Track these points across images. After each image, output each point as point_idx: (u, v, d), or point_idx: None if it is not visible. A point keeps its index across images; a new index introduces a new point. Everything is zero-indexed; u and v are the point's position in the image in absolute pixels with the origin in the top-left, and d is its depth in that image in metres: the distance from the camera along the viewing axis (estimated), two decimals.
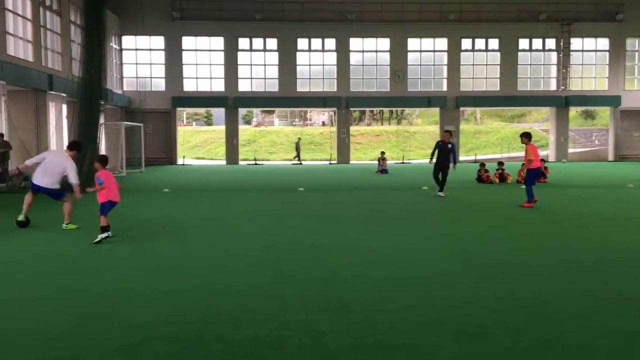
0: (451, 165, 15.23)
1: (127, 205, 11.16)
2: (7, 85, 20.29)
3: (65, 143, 27.07)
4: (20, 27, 21.63)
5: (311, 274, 6.71)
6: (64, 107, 26.38)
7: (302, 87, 35.63)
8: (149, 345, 4.41)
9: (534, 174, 13.15)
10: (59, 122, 25.15)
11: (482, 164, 21.31)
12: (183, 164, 35.23)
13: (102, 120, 20.02)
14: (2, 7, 19.60)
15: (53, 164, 9.94)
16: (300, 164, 35.85)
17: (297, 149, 37.79)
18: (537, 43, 36.54)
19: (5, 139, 21.65)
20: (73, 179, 9.98)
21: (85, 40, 18.74)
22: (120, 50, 34.71)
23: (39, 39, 22.90)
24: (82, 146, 10.79)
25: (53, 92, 23.06)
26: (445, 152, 15.17)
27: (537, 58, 36.81)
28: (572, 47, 36.15)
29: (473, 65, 36.44)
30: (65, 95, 23.71)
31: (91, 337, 4.57)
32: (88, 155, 17.29)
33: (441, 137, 15.51)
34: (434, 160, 15.51)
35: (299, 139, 39.68)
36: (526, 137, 13.32)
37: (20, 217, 10.11)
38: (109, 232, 8.82)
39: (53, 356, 4.20)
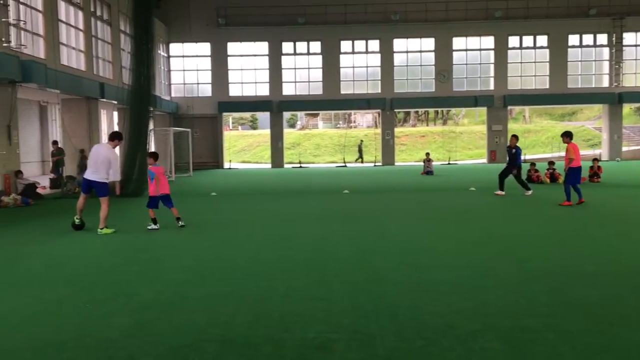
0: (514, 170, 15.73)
1: (176, 209, 11.38)
2: (61, 94, 21.04)
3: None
4: (73, 38, 22.39)
5: (358, 276, 6.68)
6: (115, 114, 27.16)
7: (345, 89, 35.63)
8: (199, 346, 4.47)
9: (575, 173, 13.05)
10: (110, 128, 25.88)
11: (532, 164, 20.83)
12: (229, 168, 35.74)
13: (151, 126, 20.49)
14: (55, 19, 20.34)
15: (96, 155, 10.26)
16: (362, 163, 37.50)
17: (360, 150, 38.91)
18: (587, 39, 35.48)
19: (59, 146, 22.47)
20: (115, 174, 10.40)
21: (134, 49, 19.24)
22: (168, 57, 35.51)
23: (91, 48, 23.65)
24: (122, 135, 11.11)
25: (104, 100, 23.77)
26: (510, 156, 15.68)
27: (588, 54, 35.72)
28: (625, 42, 34.92)
29: (521, 63, 35.66)
30: (116, 102, 24.40)
31: (144, 339, 4.67)
32: (138, 161, 17.73)
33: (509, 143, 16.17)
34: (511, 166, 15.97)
35: (362, 141, 40.45)
36: (567, 136, 13.33)
37: (76, 221, 10.45)
38: (157, 225, 9.85)
39: (108, 357, 4.31)
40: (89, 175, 10.26)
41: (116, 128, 26.20)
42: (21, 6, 17.96)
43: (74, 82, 20.93)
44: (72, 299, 5.93)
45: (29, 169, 24.91)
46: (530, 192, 15.58)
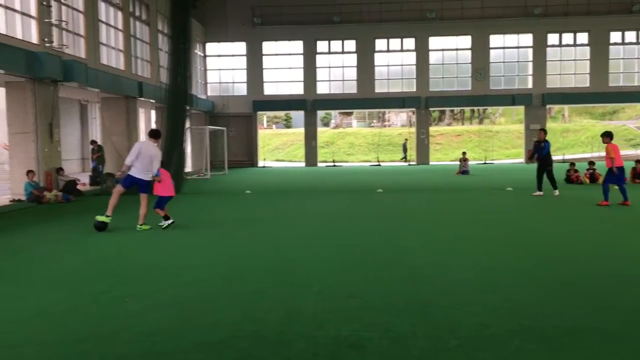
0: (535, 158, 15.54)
1: (212, 207, 11.52)
2: (101, 93, 21.51)
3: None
4: (112, 37, 22.87)
5: (391, 274, 6.65)
6: (153, 112, 27.68)
7: (380, 88, 35.47)
8: (232, 342, 4.52)
9: (617, 173, 12.84)
10: (148, 127, 26.36)
11: (572, 164, 20.38)
12: (264, 166, 35.99)
13: (187, 124, 20.77)
14: (96, 19, 20.81)
15: (144, 153, 10.31)
16: (407, 162, 37.65)
17: (405, 149, 39.18)
18: (630, 36, 34.48)
19: (99, 143, 22.99)
20: (156, 168, 10.44)
21: (172, 49, 19.53)
22: (205, 56, 35.95)
23: (130, 48, 24.12)
24: (159, 134, 11.19)
25: (142, 99, 24.21)
26: (540, 151, 15.37)
27: (631, 51, 34.71)
28: None
29: (560, 60, 34.90)
30: (153, 101, 24.84)
31: (179, 334, 4.75)
32: (175, 158, 17.99)
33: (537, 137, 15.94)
34: (534, 161, 15.75)
35: (406, 139, 40.53)
36: (607, 136, 13.14)
37: (106, 219, 10.31)
38: (171, 220, 10.26)
39: (143, 351, 4.39)
40: (134, 172, 10.32)
41: (154, 126, 26.67)
42: (63, 7, 18.42)
43: (113, 81, 21.37)
44: (110, 294, 6.06)
45: (69, 166, 25.56)
46: (557, 193, 15.11)
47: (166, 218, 10.43)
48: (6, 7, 15.72)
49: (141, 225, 10.37)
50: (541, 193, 15.32)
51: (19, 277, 6.95)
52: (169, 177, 10.71)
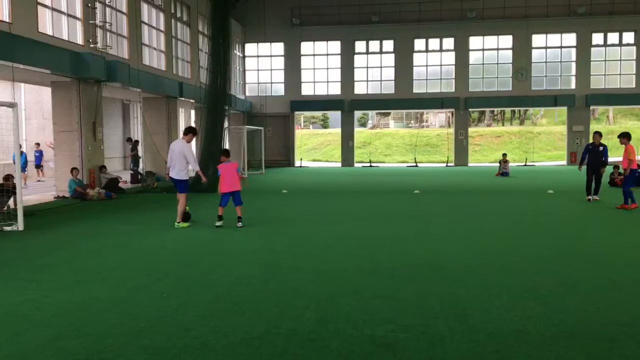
0: (602, 168, 14.24)
1: (249, 206, 11.63)
2: (142, 93, 21.96)
3: (194, 146, 28.83)
4: (154, 38, 23.33)
5: (428, 277, 6.60)
6: (192, 112, 28.10)
7: (418, 88, 35.17)
8: (269, 339, 4.57)
9: (633, 175, 12.76)
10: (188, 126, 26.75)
11: (616, 167, 19.80)
12: (300, 166, 36.12)
13: (226, 124, 21.03)
14: (139, 20, 21.27)
15: (173, 152, 10.75)
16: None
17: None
18: None
19: (134, 139, 23.48)
20: (194, 164, 10.86)
21: (211, 49, 19.80)
22: (244, 57, 36.31)
23: (171, 48, 24.56)
24: (195, 129, 11.38)
25: (183, 99, 24.61)
26: (596, 154, 14.29)
27: None
28: None
29: (605, 60, 33.94)
30: (193, 101, 25.21)
31: (217, 329, 4.82)
32: (214, 158, 18.22)
33: (592, 140, 14.79)
34: (584, 166, 14.81)
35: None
36: (625, 137, 13.02)
37: (184, 224, 10.68)
38: (221, 222, 10.32)
39: (183, 344, 4.48)
40: (172, 173, 10.73)
41: (193, 126, 27.06)
42: (107, 9, 18.89)
43: (155, 82, 21.79)
44: (150, 289, 6.20)
45: (112, 164, 26.18)
46: (597, 197, 14.36)
47: (219, 218, 10.48)
48: (53, 9, 16.21)
49: (179, 222, 10.60)
50: (595, 197, 14.41)
51: (63, 270, 7.17)
52: (230, 173, 10.45)
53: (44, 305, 5.59)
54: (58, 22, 16.55)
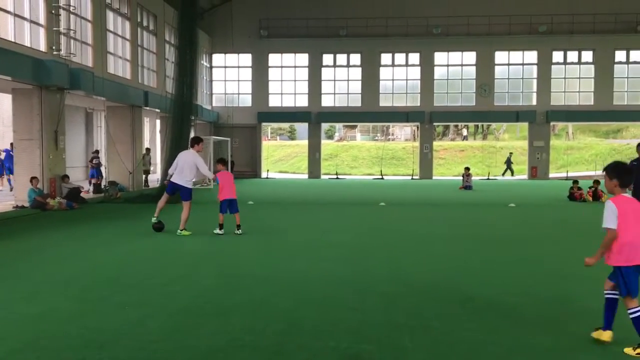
0: None
1: (214, 217, 11.53)
2: (107, 101, 21.62)
3: (159, 155, 28.47)
4: (120, 47, 23.04)
5: (392, 288, 6.65)
6: (158, 122, 27.79)
7: (384, 101, 35.56)
8: (232, 351, 4.53)
9: None
10: (152, 136, 26.47)
11: (575, 181, 20.36)
12: (267, 177, 36.04)
13: (192, 134, 20.86)
14: (104, 28, 20.99)
15: (183, 161, 10.99)
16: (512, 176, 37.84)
17: (509, 163, 38.73)
18: (635, 55, 34.55)
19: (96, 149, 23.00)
20: (205, 172, 11.35)
21: (178, 59, 19.65)
22: (211, 67, 36.15)
23: (136, 57, 24.29)
24: (201, 138, 11.89)
25: (148, 108, 24.32)
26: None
27: (636, 70, 34.76)
28: None
29: (565, 78, 34.94)
30: (159, 110, 24.93)
31: (179, 342, 4.76)
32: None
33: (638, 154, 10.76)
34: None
35: (511, 153, 39.97)
36: None
37: (154, 220, 11.00)
38: (221, 231, 10.61)
39: (144, 357, 4.40)
40: (175, 179, 10.92)
41: (158, 135, 26.77)
42: (71, 16, 18.58)
43: (119, 90, 21.49)
44: (111, 300, 6.07)
45: (74, 173, 25.62)
46: None
47: (220, 227, 10.77)
48: (15, 15, 15.88)
49: (181, 230, 10.76)
50: None
51: (21, 281, 6.97)
52: (228, 181, 10.89)
53: (0, 317, 5.42)
54: (20, 28, 16.21)
